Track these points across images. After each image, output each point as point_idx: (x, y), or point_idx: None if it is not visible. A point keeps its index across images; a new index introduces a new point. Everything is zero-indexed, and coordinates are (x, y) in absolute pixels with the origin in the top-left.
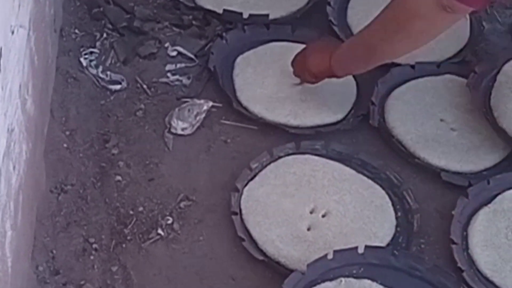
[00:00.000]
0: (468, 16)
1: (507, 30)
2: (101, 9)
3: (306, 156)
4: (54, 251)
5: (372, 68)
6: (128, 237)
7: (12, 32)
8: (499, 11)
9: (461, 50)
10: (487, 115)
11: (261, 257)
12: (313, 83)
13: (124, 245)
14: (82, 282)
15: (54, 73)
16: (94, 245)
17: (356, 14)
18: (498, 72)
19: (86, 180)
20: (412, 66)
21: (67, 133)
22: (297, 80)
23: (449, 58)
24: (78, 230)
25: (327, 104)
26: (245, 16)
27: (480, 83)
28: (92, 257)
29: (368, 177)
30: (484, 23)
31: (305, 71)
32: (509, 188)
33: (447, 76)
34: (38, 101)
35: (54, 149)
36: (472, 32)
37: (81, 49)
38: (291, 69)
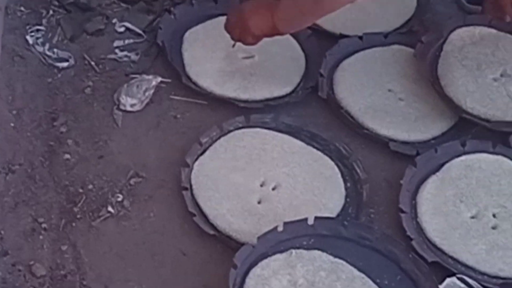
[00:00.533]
0: None
1: (453, 0)
2: None
3: (256, 129)
4: (2, 232)
5: (317, 20)
6: (78, 216)
7: None
8: None
9: (408, 20)
10: (434, 84)
11: (212, 232)
12: (253, 44)
13: (73, 224)
14: (32, 262)
15: (0, 51)
16: (43, 225)
17: None
18: (444, 42)
19: (34, 159)
20: (360, 37)
21: (14, 112)
22: (245, 53)
23: (397, 29)
24: (26, 210)
25: (276, 77)
26: None
27: (427, 53)
28: (41, 237)
29: (317, 149)
30: None
31: (245, 34)
32: (456, 156)
33: (395, 46)
34: None
35: (0, 129)
36: (418, 2)
37: (27, 27)
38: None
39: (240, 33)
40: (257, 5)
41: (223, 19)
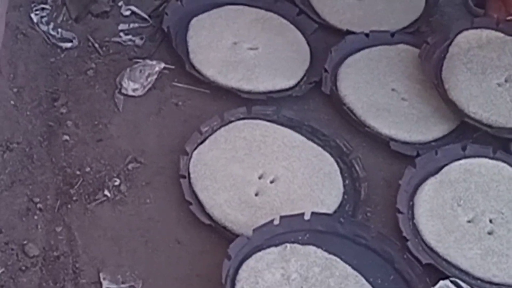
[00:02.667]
0: None
1: (462, 2)
2: None
3: (257, 121)
4: None
5: None
6: (74, 198)
7: None
8: None
9: (415, 20)
10: (438, 87)
11: (207, 221)
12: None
13: (69, 206)
14: (25, 242)
15: (3, 28)
16: (39, 205)
17: None
18: (450, 44)
19: (32, 138)
20: (366, 35)
21: (15, 90)
22: (250, 44)
23: (404, 28)
24: (22, 189)
25: (279, 70)
26: None
27: (432, 54)
28: (36, 217)
29: (317, 144)
30: None
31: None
32: (456, 160)
33: (401, 46)
34: None
35: (0, 106)
36: (427, 2)
37: (32, 5)
38: (246, 33)
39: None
40: None
41: (230, 8)
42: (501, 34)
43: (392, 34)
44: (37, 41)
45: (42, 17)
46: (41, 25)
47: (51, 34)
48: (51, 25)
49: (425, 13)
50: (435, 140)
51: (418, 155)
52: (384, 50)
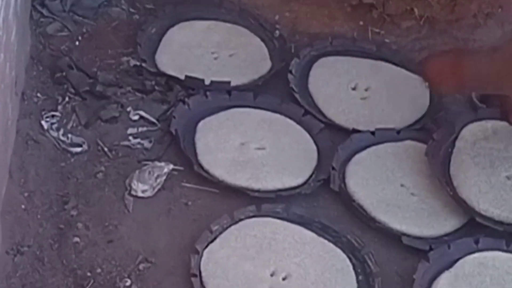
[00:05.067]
0: (428, 85)
1: (467, 100)
2: (64, 73)
3: (267, 219)
4: None
5: None
6: None
7: None
8: None
9: (421, 118)
10: (447, 185)
11: None
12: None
13: None
14: None
15: (14, 135)
16: None
17: (317, 81)
18: (456, 138)
19: (43, 241)
20: (372, 133)
21: (26, 194)
22: (257, 144)
23: (409, 126)
24: None
25: (288, 168)
26: (207, 82)
27: (438, 151)
28: None
29: (329, 240)
30: None
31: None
32: (470, 253)
33: (407, 142)
34: None
35: (11, 210)
36: (432, 100)
37: (43, 112)
38: (253, 134)
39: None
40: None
41: (236, 110)
42: (506, 124)
43: (398, 132)
44: (48, 147)
45: (52, 123)
46: (51, 131)
47: (61, 140)
48: (61, 131)
49: (430, 110)
50: (447, 234)
51: (431, 249)
52: (391, 147)
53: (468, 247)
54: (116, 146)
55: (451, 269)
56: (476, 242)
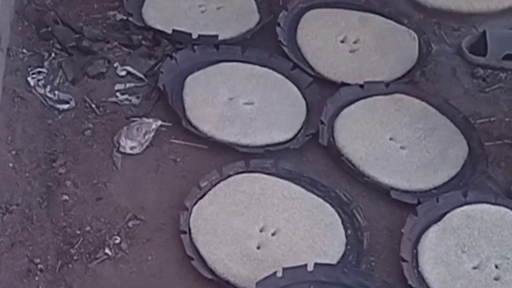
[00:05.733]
0: (416, 37)
1: (455, 51)
2: (50, 29)
3: (256, 174)
4: None
5: None
6: (75, 257)
7: None
8: (447, 33)
9: (409, 71)
10: None
11: (210, 276)
12: None
13: (70, 266)
14: None
15: (0, 92)
16: (40, 266)
17: (306, 35)
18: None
19: (32, 199)
20: (361, 86)
21: (13, 152)
22: (246, 99)
23: (398, 78)
24: (23, 250)
25: (276, 123)
26: (195, 36)
27: None
28: (37, 278)
29: (317, 195)
30: (432, 44)
31: None
32: (458, 206)
33: (396, 95)
34: None
35: None
36: (420, 53)
37: (29, 69)
38: (241, 88)
39: None
40: None
41: (224, 65)
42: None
43: (387, 84)
44: (35, 104)
45: (39, 80)
46: (38, 88)
47: (48, 97)
48: (48, 88)
49: (419, 63)
50: (436, 188)
51: (419, 203)
52: (380, 100)
53: (457, 200)
54: (104, 103)
55: (440, 223)
56: (465, 195)
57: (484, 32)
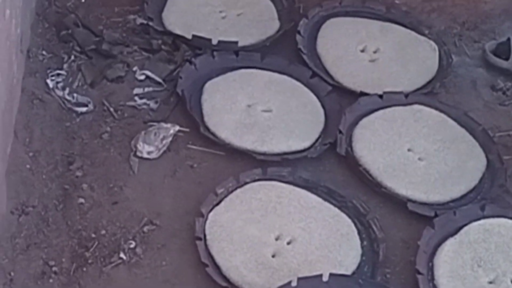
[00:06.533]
0: (437, 48)
1: (476, 63)
2: (70, 31)
3: (273, 182)
4: (13, 273)
5: None
6: (89, 261)
7: None
8: (467, 44)
9: (429, 82)
10: None
11: (224, 284)
12: None
13: (84, 269)
14: None
15: (19, 93)
16: (54, 268)
17: (326, 43)
18: None
19: (48, 202)
20: (380, 96)
21: (31, 154)
22: (264, 106)
23: (418, 89)
24: (38, 252)
25: (294, 131)
26: (214, 42)
27: None
28: (51, 280)
29: (334, 205)
30: (453, 56)
31: None
32: (475, 220)
33: (415, 106)
34: (1, 121)
35: (16, 170)
36: (440, 64)
37: (48, 71)
38: (260, 96)
39: None
40: None
41: (243, 71)
42: None
43: (406, 95)
44: (53, 106)
45: (57, 82)
46: (56, 91)
47: (66, 99)
48: (67, 90)
49: (438, 74)
50: (453, 201)
51: (436, 215)
52: (399, 111)
53: (474, 213)
54: (122, 106)
55: (456, 236)
56: (482, 209)
57: (508, 38)
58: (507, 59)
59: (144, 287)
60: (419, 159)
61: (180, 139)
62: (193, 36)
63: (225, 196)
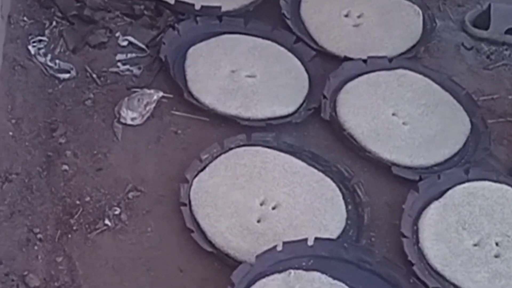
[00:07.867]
0: (421, 13)
1: (459, 27)
2: None
3: (257, 148)
4: None
5: None
6: (74, 228)
7: None
8: (451, 9)
9: (413, 46)
10: None
11: (210, 249)
12: None
13: (69, 236)
14: (25, 273)
15: (1, 60)
16: (39, 235)
17: (310, 8)
18: None
19: (31, 169)
20: (364, 61)
21: (13, 121)
22: (248, 72)
23: (402, 54)
24: (22, 219)
25: (278, 97)
26: (197, 7)
27: None
28: (36, 248)
29: (319, 170)
30: (436, 20)
31: None
32: (459, 183)
33: (399, 70)
34: None
35: None
36: (424, 28)
37: (30, 37)
38: (244, 61)
39: None
40: None
41: (227, 37)
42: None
43: (390, 60)
44: (35, 73)
45: (39, 48)
46: (38, 57)
47: (48, 66)
48: (49, 57)
49: (422, 39)
50: (437, 164)
51: (420, 179)
52: (383, 76)
53: (458, 177)
54: (105, 73)
55: (441, 199)
56: (466, 172)
57: (488, 6)
58: (487, 29)
59: (129, 253)
60: (403, 123)
61: (164, 105)
62: (176, 1)
63: (210, 162)
